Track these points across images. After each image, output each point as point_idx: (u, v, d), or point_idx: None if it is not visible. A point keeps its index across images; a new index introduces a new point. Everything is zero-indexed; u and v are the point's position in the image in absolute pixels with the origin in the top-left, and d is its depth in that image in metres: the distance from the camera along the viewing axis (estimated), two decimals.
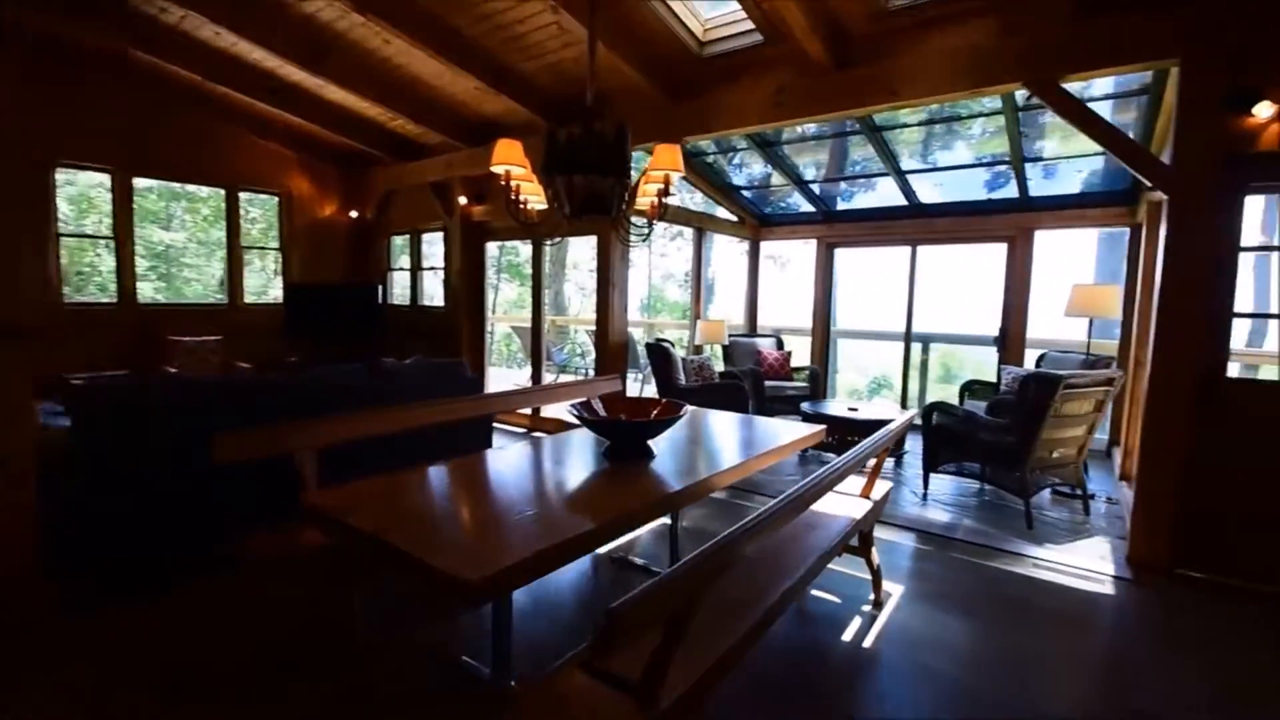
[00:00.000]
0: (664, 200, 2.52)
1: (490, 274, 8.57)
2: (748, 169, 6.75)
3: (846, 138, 5.66)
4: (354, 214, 7.80)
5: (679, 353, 5.42)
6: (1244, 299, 3.09)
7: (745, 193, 7.02)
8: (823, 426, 2.92)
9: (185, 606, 2.61)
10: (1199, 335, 3.09)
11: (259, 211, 10.64)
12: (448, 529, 1.70)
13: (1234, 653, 2.49)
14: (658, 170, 2.48)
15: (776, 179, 6.55)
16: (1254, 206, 2.97)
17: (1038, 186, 5.70)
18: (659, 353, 5.22)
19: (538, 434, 5.95)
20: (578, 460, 2.33)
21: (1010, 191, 5.82)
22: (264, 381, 3.19)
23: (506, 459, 2.33)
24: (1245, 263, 3.10)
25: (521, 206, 2.69)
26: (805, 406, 5.26)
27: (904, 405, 6.96)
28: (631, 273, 5.70)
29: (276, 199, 7.47)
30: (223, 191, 7.03)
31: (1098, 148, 4.89)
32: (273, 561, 2.59)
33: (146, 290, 11.03)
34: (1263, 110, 2.86)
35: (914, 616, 2.67)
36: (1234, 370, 3.19)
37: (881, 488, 2.82)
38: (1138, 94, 4.25)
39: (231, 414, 2.86)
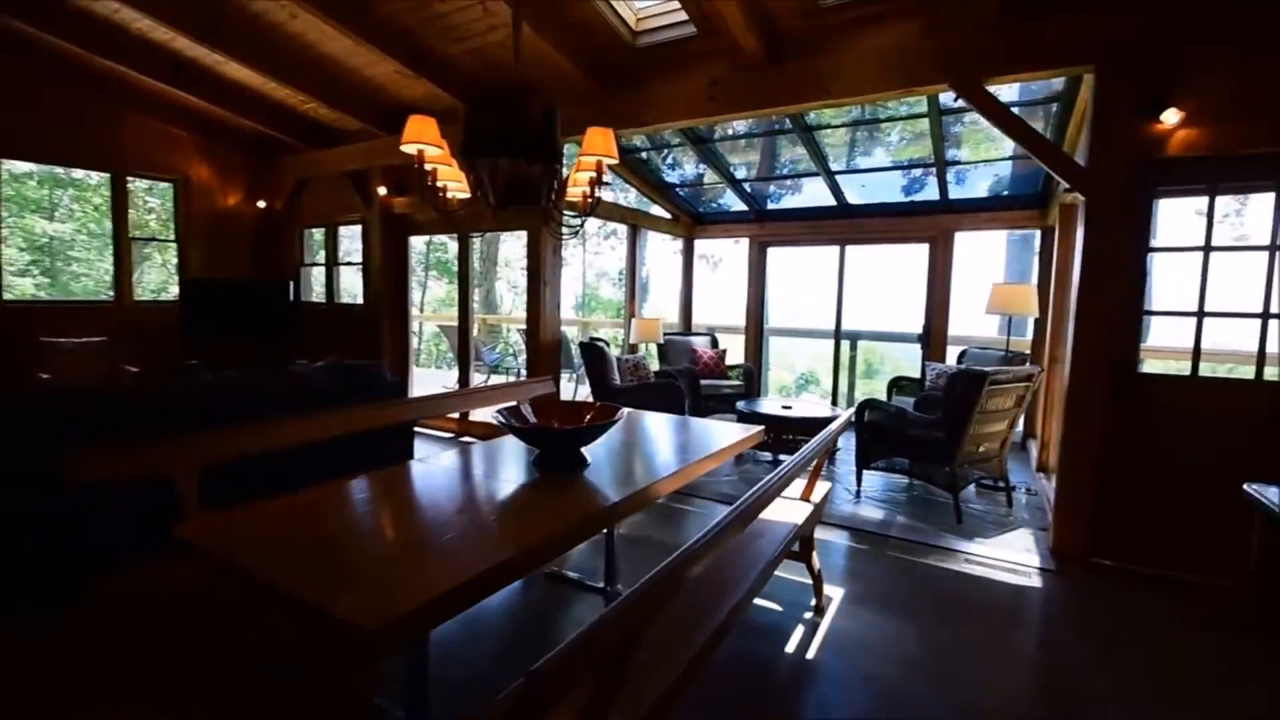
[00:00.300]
0: (597, 190, 2.33)
1: (418, 271, 8.11)
2: (681, 168, 6.65)
3: (778, 138, 5.64)
4: (262, 204, 7.18)
5: (614, 352, 5.24)
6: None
7: (679, 191, 6.91)
8: (760, 428, 2.81)
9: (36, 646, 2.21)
10: (1115, 332, 3.19)
11: (158, 201, 9.68)
12: (347, 562, 1.45)
13: (1148, 642, 2.55)
14: (589, 156, 2.29)
15: (710, 177, 6.48)
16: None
17: (957, 190, 5.87)
18: (593, 352, 5.03)
19: (467, 439, 5.63)
20: (506, 472, 2.11)
21: (931, 194, 5.96)
22: (144, 388, 2.78)
23: (426, 473, 2.08)
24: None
25: (440, 193, 2.43)
26: (741, 405, 5.20)
27: (834, 402, 7.05)
28: (565, 271, 5.47)
29: (171, 186, 6.77)
30: (109, 177, 6.30)
31: (1013, 152, 5.06)
32: (151, 598, 2.23)
33: (26, 286, 9.87)
34: (1170, 117, 2.96)
35: (855, 621, 2.60)
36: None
37: (821, 489, 2.73)
38: (1045, 102, 4.40)
39: (99, 427, 2.46)
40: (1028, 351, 5.72)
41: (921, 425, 4.05)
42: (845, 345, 7.25)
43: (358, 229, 6.67)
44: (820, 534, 3.48)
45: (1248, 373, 3.10)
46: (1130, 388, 3.20)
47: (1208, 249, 3.05)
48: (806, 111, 4.58)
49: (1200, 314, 3.10)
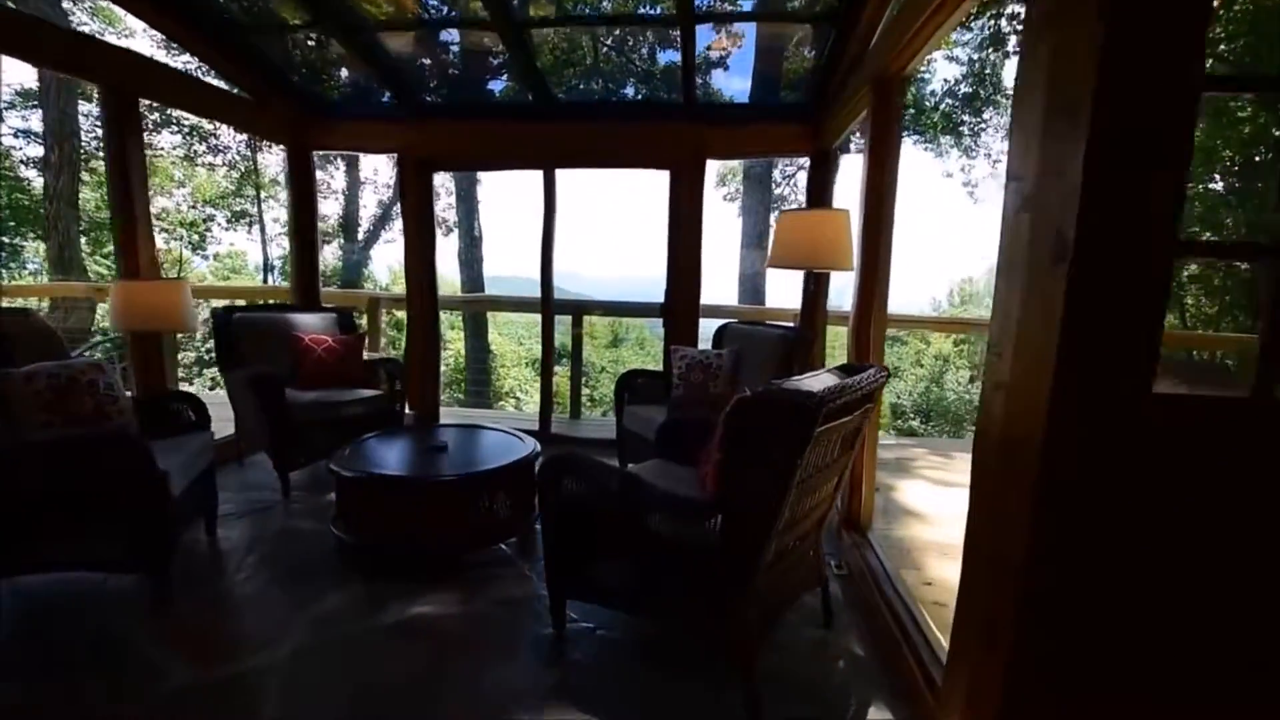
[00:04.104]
0: None
1: None
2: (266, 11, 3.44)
3: None
4: None
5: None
6: None
7: (257, 52, 3.64)
8: None
9: None
10: (1135, 309, 1.15)
11: None
12: None
13: None
14: None
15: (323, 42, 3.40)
16: None
17: (712, 90, 3.77)
18: None
19: None
20: None
21: (676, 95, 3.78)
22: None
23: None
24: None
25: None
26: (336, 465, 2.43)
27: (542, 414, 4.60)
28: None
29: None
30: None
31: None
32: None
33: None
34: None
35: None
36: None
37: None
38: None
39: None
40: (793, 324, 3.91)
41: (677, 510, 1.73)
42: (565, 320, 4.91)
43: None
44: None
45: None
46: (1134, 415, 1.22)
47: None
48: None
49: None
